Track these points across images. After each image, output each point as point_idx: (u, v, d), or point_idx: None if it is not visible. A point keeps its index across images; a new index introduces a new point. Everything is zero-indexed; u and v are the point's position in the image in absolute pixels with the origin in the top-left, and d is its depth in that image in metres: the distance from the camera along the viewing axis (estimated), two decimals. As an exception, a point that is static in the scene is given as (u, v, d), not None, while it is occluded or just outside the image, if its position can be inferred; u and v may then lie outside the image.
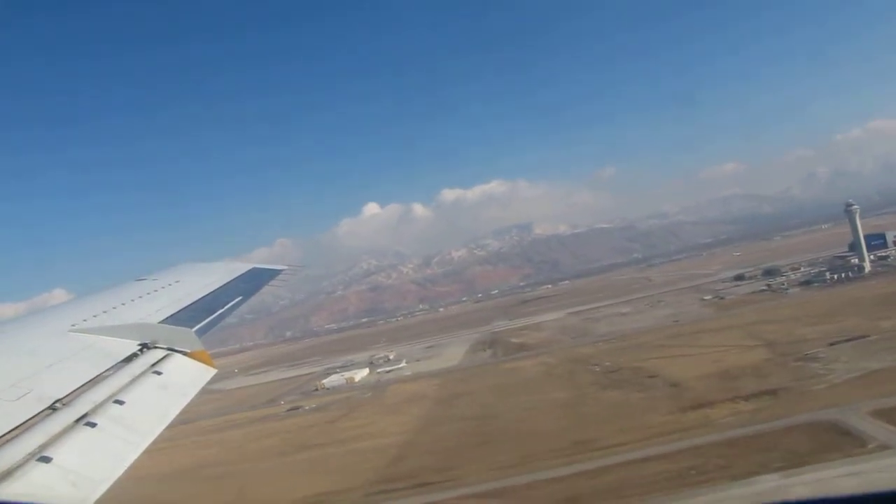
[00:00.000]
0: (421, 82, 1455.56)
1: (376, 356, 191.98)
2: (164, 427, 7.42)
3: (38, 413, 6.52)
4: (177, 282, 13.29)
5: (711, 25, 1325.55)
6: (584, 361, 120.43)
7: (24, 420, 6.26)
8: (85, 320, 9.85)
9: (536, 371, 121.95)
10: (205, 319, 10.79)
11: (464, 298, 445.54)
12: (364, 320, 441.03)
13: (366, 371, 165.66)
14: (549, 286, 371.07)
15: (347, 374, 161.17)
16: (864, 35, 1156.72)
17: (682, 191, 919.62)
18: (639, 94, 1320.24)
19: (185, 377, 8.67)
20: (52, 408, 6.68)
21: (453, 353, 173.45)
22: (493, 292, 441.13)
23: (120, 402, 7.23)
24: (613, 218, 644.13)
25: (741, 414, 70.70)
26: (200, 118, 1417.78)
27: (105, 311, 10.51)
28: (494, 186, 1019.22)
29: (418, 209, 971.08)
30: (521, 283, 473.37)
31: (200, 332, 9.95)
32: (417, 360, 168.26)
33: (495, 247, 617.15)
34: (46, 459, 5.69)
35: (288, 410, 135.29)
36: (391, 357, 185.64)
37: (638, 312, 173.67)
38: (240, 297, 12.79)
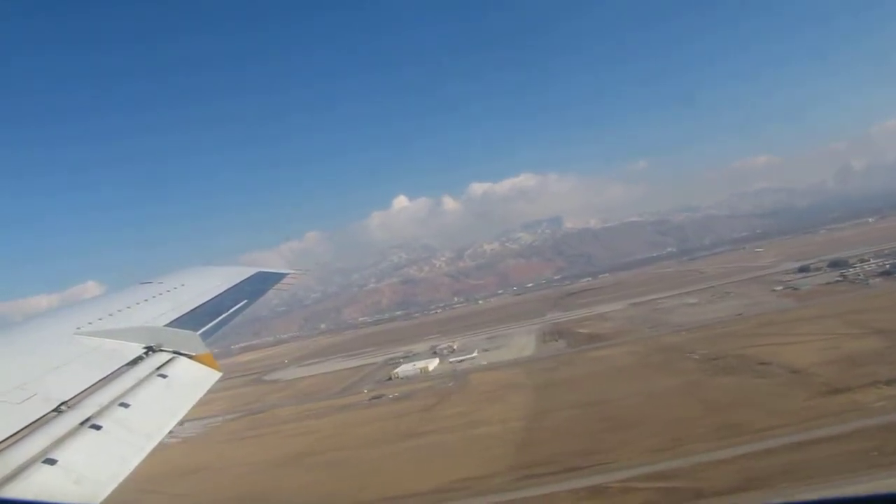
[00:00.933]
0: (449, 76, 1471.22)
1: (439, 346, 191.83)
2: (169, 429, 7.57)
3: (44, 415, 6.65)
4: (182, 285, 13.41)
5: (743, 15, 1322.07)
6: (675, 350, 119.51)
7: (29, 422, 6.41)
8: (90, 323, 10.02)
9: (627, 360, 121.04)
10: (210, 323, 10.98)
11: (499, 291, 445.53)
12: (398, 313, 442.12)
13: (436, 361, 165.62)
14: (589, 279, 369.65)
15: (420, 364, 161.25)
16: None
17: (712, 184, 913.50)
18: (667, 87, 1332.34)
19: (190, 380, 8.93)
20: (58, 410, 6.84)
21: (521, 342, 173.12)
22: (529, 285, 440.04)
23: (125, 405, 7.44)
24: (644, 212, 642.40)
25: (894, 398, 69.83)
26: (231, 112, 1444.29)
27: (110, 315, 10.66)
28: (523, 180, 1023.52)
29: (448, 202, 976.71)
30: (556, 277, 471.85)
31: (205, 336, 10.16)
32: (486, 350, 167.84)
33: (527, 240, 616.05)
34: (52, 461, 5.86)
35: (371, 399, 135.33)
36: (455, 347, 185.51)
37: (707, 303, 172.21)
38: (245, 301, 12.94)
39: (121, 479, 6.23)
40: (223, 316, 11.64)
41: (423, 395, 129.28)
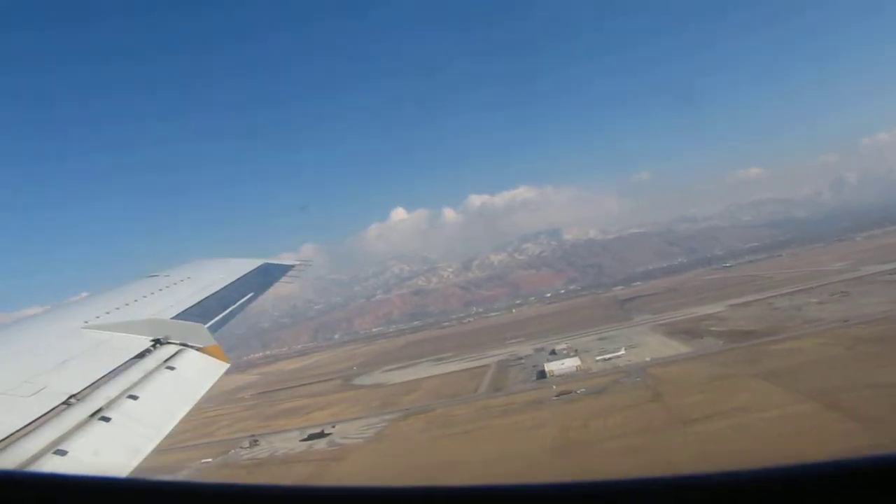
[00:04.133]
0: (446, 87, 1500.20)
1: (558, 347, 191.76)
2: (177, 421, 7.76)
3: (54, 408, 6.80)
4: (188, 278, 13.65)
5: (735, 28, 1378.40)
6: (884, 341, 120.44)
7: (39, 415, 6.58)
8: (98, 317, 10.24)
9: (835, 351, 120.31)
10: (217, 315, 11.26)
11: (517, 301, 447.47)
12: (416, 323, 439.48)
13: (577, 360, 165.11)
14: (622, 287, 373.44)
15: (572, 362, 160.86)
16: (889, 38, 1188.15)
17: (706, 196, 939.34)
18: (659, 99, 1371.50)
19: (198, 372, 9.17)
20: (67, 403, 7.00)
21: (654, 342, 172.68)
22: (548, 295, 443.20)
23: (134, 397, 7.63)
24: (643, 222, 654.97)
25: None
26: (228, 122, 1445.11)
27: (118, 308, 10.86)
28: (522, 192, 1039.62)
29: (446, 214, 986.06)
30: (571, 287, 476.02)
31: (213, 328, 10.44)
32: (628, 349, 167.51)
33: (534, 251, 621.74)
34: (62, 453, 6.01)
35: (558, 395, 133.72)
36: (576, 348, 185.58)
37: (836, 301, 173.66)
38: (251, 293, 13.30)
39: (130, 469, 6.30)
40: (231, 308, 11.83)
41: (619, 389, 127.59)
